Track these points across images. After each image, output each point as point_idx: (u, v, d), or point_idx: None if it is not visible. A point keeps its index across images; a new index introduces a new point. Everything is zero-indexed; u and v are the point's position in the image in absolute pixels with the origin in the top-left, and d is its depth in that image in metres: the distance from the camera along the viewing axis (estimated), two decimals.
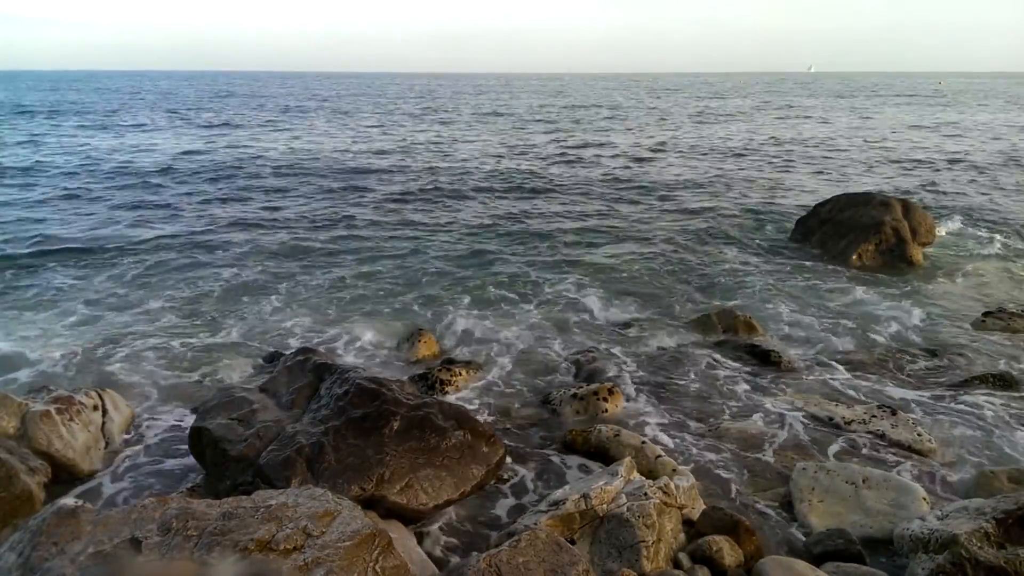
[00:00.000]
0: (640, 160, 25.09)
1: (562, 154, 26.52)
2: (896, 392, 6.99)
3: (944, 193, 18.14)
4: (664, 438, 6.04)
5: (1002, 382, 7.03)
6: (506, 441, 5.55)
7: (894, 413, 6.25)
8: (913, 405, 6.67)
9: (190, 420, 5.69)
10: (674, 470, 5.18)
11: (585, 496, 4.33)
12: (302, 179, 20.05)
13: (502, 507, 5.04)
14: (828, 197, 14.07)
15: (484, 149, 27.98)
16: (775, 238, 13.68)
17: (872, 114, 48.00)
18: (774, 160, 24.46)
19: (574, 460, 5.67)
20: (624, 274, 11.30)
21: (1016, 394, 6.82)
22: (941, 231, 13.27)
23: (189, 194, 17.68)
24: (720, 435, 6.08)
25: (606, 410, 6.46)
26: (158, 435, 6.00)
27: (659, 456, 5.40)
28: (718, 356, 7.85)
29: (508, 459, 5.40)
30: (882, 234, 11.95)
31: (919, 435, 5.90)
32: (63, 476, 5.15)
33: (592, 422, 6.22)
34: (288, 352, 6.49)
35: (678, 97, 73.53)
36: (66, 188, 17.88)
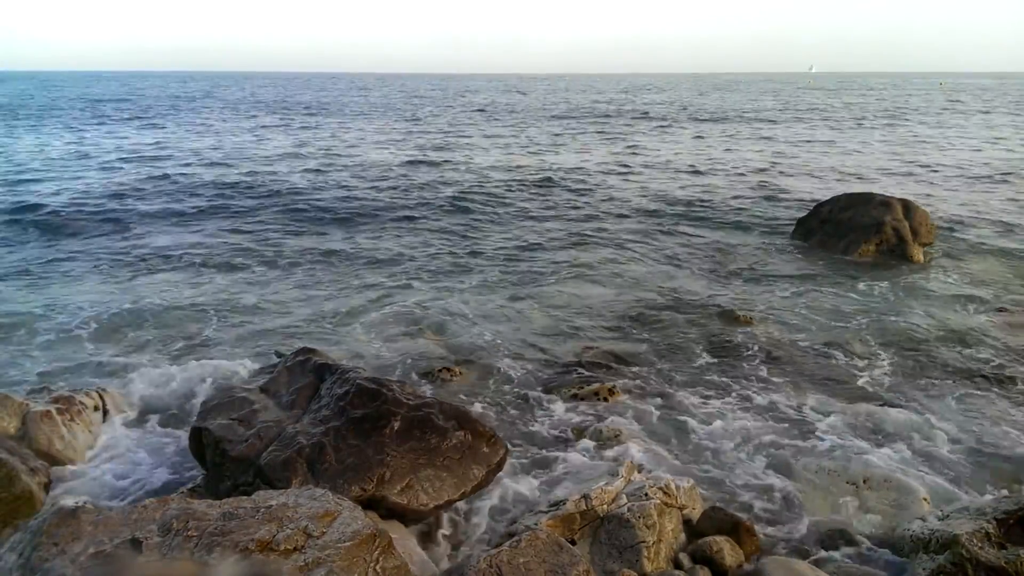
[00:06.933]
0: (648, 159, 25.10)
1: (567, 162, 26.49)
2: (896, 389, 6.99)
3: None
4: (665, 437, 6.05)
5: (1001, 379, 7.05)
6: (506, 439, 5.54)
7: (896, 409, 6.25)
8: (913, 402, 6.67)
9: (191, 420, 5.69)
10: None
11: (586, 496, 4.33)
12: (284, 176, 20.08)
13: (503, 507, 5.03)
14: (828, 197, 14.09)
15: (490, 152, 27.97)
16: (776, 238, 13.67)
17: None
18: None
19: (575, 460, 5.67)
20: (623, 274, 11.30)
21: (1015, 391, 6.84)
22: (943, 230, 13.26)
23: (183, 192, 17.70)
24: (721, 435, 6.09)
25: (607, 409, 6.46)
26: (159, 435, 6.00)
27: (660, 455, 5.40)
28: (719, 355, 7.85)
29: (508, 459, 5.39)
30: (883, 234, 11.94)
31: (920, 434, 5.90)
32: (64, 476, 5.16)
33: (593, 421, 6.22)
34: (288, 352, 6.49)
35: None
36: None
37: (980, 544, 3.67)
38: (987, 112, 49.52)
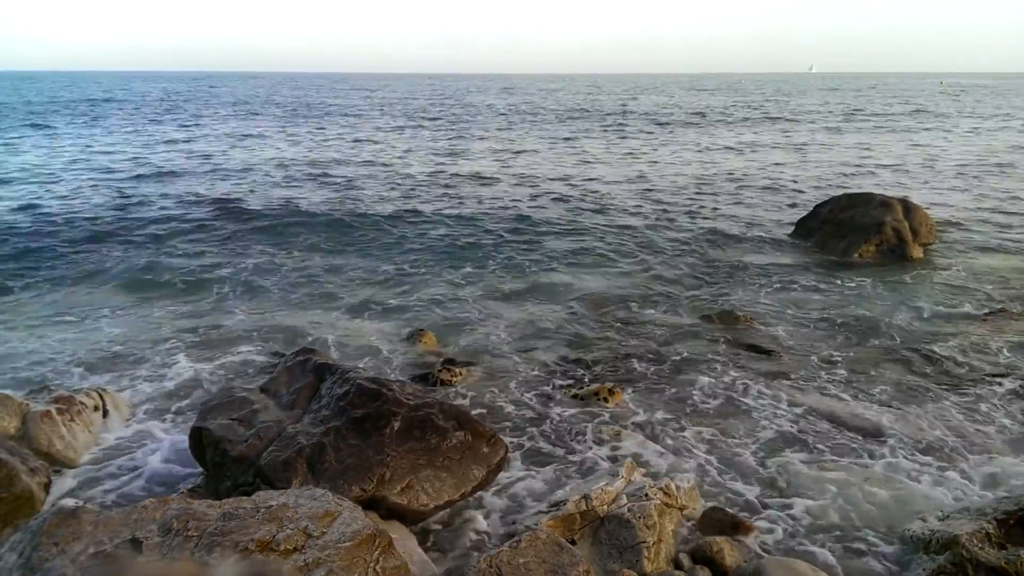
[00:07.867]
0: (648, 161, 25.10)
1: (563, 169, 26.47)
2: (895, 389, 6.99)
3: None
4: (665, 438, 6.05)
5: (1001, 379, 7.05)
6: (506, 439, 5.54)
7: (894, 410, 6.26)
8: (912, 402, 6.68)
9: (191, 420, 5.69)
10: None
11: (586, 497, 4.33)
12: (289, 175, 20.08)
13: (503, 507, 5.04)
14: (829, 197, 14.09)
15: (481, 156, 27.97)
16: (776, 239, 13.67)
17: None
18: None
19: (575, 460, 5.67)
20: (624, 274, 11.30)
21: (1014, 392, 6.84)
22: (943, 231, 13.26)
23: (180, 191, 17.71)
24: (721, 435, 6.09)
25: (607, 410, 6.46)
26: (159, 435, 6.00)
27: (660, 456, 5.40)
28: (719, 355, 7.85)
29: (508, 459, 5.39)
30: (883, 234, 11.94)
31: (918, 434, 5.90)
32: (64, 476, 5.16)
33: (593, 422, 6.22)
34: (288, 352, 6.49)
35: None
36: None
37: (980, 544, 3.68)
38: (996, 112, 49.50)
